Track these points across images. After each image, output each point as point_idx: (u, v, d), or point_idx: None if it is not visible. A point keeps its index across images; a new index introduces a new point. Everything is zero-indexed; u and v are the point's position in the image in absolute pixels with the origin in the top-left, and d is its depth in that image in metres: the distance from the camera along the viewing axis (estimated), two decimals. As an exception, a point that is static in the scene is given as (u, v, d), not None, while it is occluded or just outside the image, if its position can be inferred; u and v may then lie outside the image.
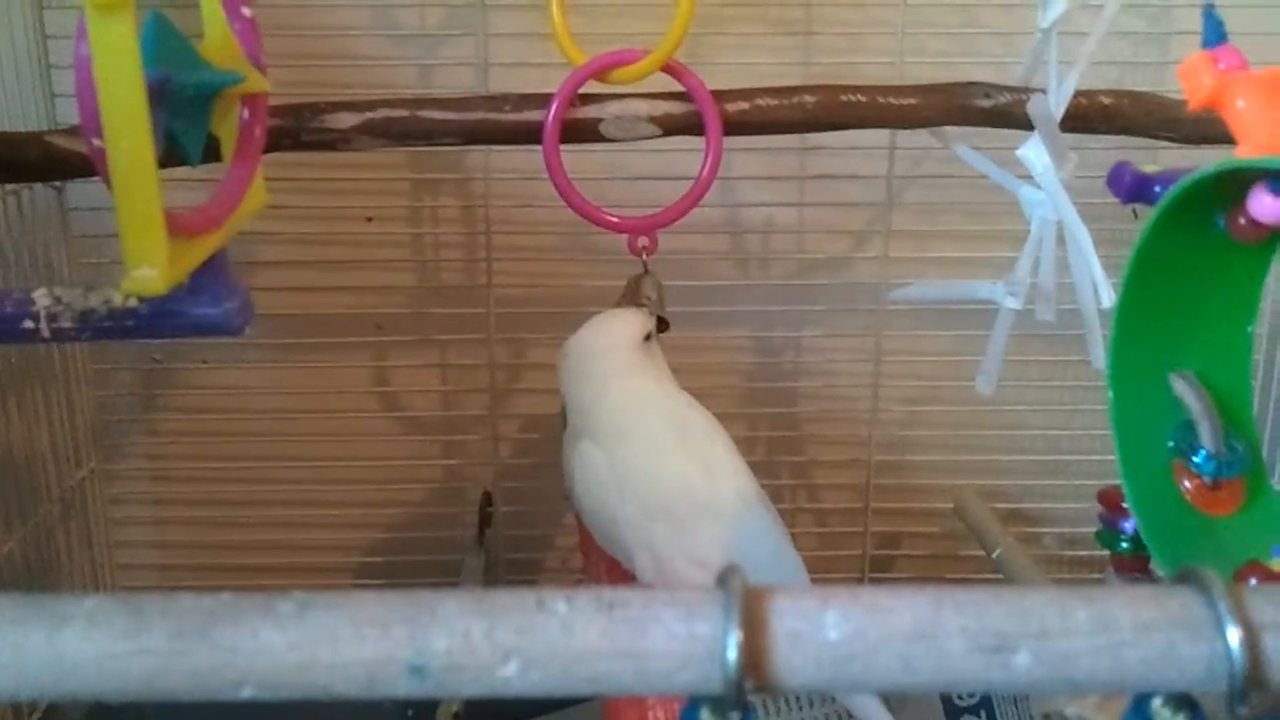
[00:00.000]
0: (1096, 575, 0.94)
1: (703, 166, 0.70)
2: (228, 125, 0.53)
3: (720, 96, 0.70)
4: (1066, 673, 0.27)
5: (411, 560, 0.94)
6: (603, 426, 0.64)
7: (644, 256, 0.72)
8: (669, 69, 0.69)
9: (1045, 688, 0.27)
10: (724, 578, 0.28)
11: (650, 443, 0.63)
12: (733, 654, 0.26)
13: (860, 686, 0.27)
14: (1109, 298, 0.63)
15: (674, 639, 0.27)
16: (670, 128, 0.70)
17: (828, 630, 0.27)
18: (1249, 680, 0.26)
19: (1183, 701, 0.28)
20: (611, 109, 0.69)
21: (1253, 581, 0.47)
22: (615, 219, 0.71)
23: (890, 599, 0.27)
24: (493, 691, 0.27)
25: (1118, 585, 0.60)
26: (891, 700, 0.80)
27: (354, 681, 0.27)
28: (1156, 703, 0.28)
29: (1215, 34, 0.45)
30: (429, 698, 0.28)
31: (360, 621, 0.27)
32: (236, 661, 0.27)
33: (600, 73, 0.69)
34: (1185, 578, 0.28)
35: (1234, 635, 0.26)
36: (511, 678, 0.27)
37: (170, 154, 0.46)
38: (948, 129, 0.73)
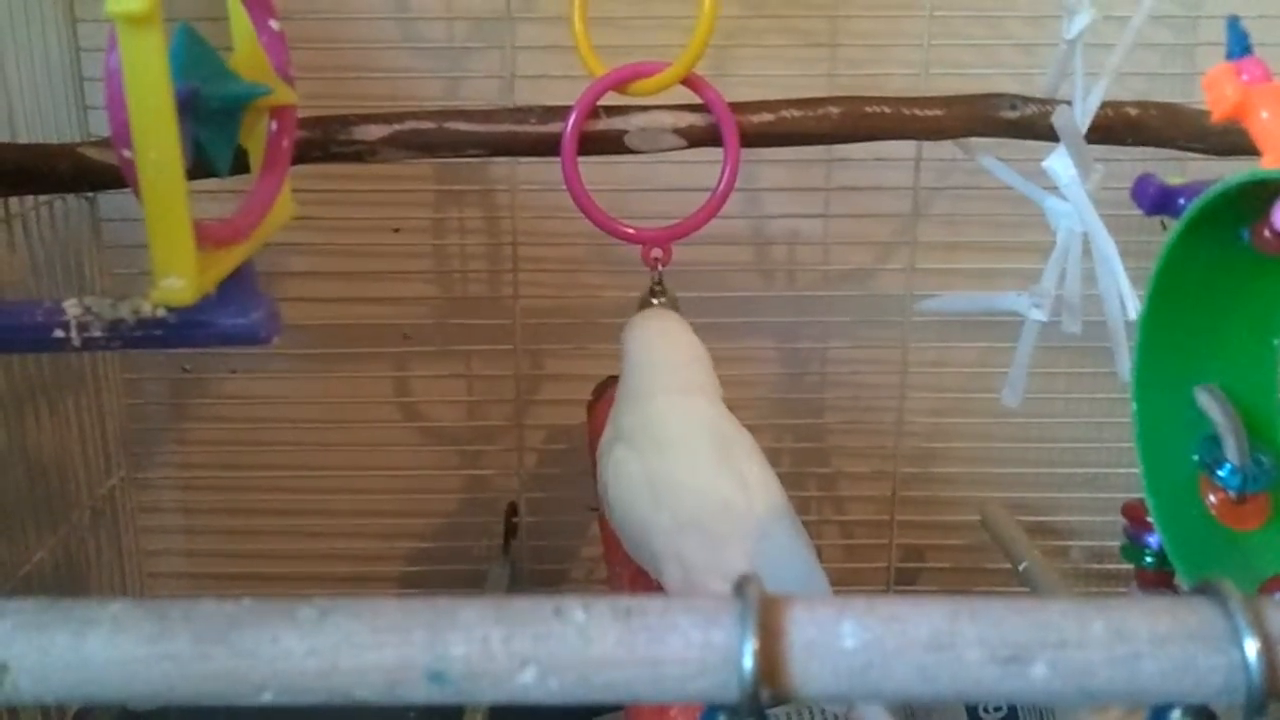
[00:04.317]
0: (1123, 590, 0.93)
1: (720, 179, 0.71)
2: (256, 137, 0.54)
3: (745, 108, 0.70)
4: (1083, 684, 0.27)
5: (436, 570, 0.95)
6: (643, 433, 0.64)
7: (658, 269, 0.72)
8: (689, 83, 0.69)
9: (1062, 698, 0.27)
10: (740, 586, 0.28)
11: (691, 455, 0.62)
12: (748, 662, 0.26)
13: (876, 696, 0.27)
14: (1135, 309, 0.63)
15: (690, 646, 0.27)
16: (695, 139, 0.70)
17: (844, 639, 0.27)
18: (1267, 691, 0.26)
19: (1201, 713, 0.28)
20: (636, 121, 0.70)
21: (1278, 596, 0.46)
22: (630, 230, 0.71)
23: (907, 609, 0.27)
24: (511, 698, 0.27)
25: (1136, 597, 0.59)
26: (916, 712, 0.80)
27: (373, 687, 0.27)
28: (1175, 715, 0.28)
29: (1239, 45, 0.45)
30: (451, 704, 0.28)
31: (379, 628, 0.27)
32: (257, 666, 0.27)
33: (619, 85, 0.69)
34: (1203, 589, 0.27)
35: (1251, 647, 0.26)
36: (529, 685, 0.27)
37: (199, 165, 0.47)
38: (973, 140, 0.73)
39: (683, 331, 0.67)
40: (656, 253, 0.72)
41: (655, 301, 0.72)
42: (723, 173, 0.71)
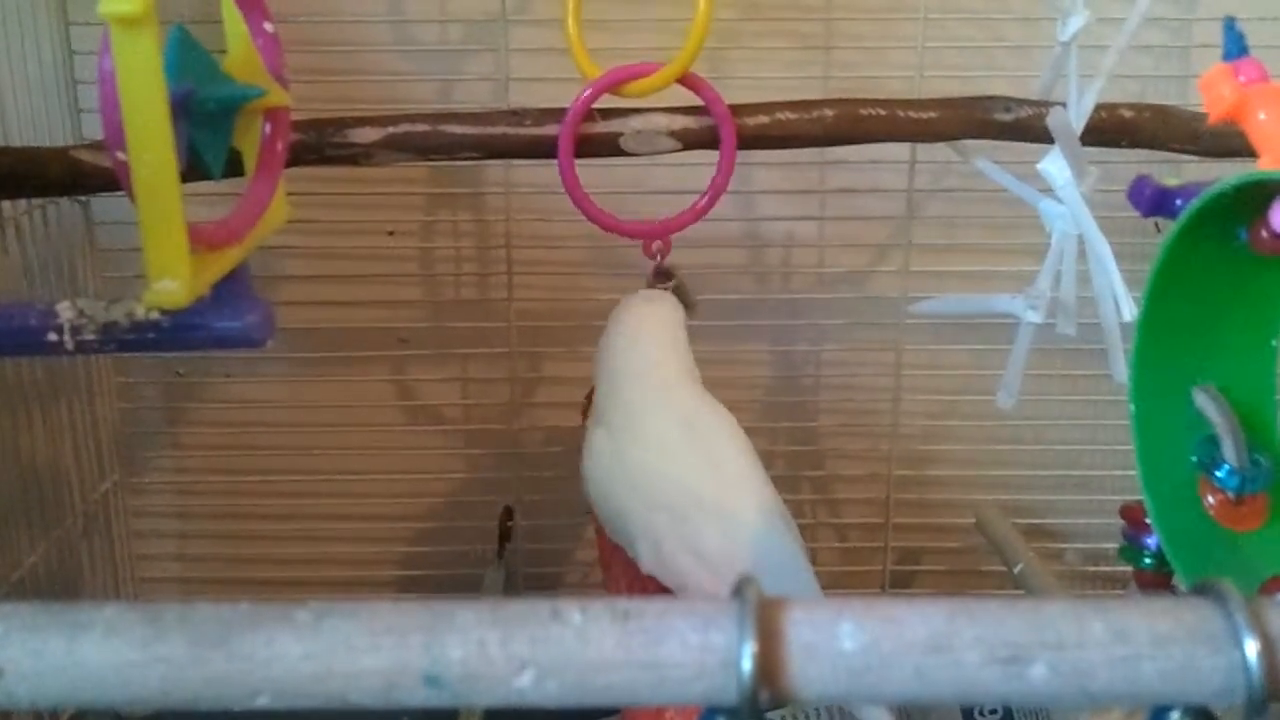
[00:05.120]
0: (1119, 592, 0.93)
1: (717, 172, 0.71)
2: (250, 139, 0.54)
3: (740, 110, 0.70)
4: (1083, 685, 0.27)
5: (432, 574, 0.95)
6: (616, 415, 0.65)
7: (660, 259, 0.72)
8: (686, 82, 0.69)
9: (1062, 700, 0.27)
10: (739, 588, 0.28)
11: (657, 435, 0.64)
12: (747, 664, 0.26)
13: (875, 698, 0.27)
14: (1130, 311, 0.63)
15: (689, 649, 0.27)
16: (690, 141, 0.70)
17: (843, 641, 0.27)
18: (1267, 692, 0.26)
19: (1200, 714, 0.28)
20: (632, 123, 0.70)
21: (1278, 597, 0.46)
22: (630, 224, 0.72)
23: (905, 610, 0.27)
24: (508, 702, 0.27)
25: (1135, 598, 0.60)
26: (912, 713, 0.80)
27: (369, 691, 0.27)
28: (1174, 716, 0.28)
29: (1236, 46, 0.45)
30: (447, 708, 0.28)
31: (376, 631, 0.27)
32: (253, 670, 0.27)
33: (615, 86, 0.69)
34: (1203, 590, 0.27)
35: (1252, 647, 0.26)
36: (526, 688, 0.27)
37: (193, 168, 0.47)
38: (968, 143, 0.73)
39: (666, 315, 0.68)
40: (658, 245, 0.72)
41: (661, 289, 0.72)
42: (719, 165, 0.71)
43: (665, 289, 0.71)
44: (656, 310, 0.68)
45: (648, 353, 0.66)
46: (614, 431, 0.65)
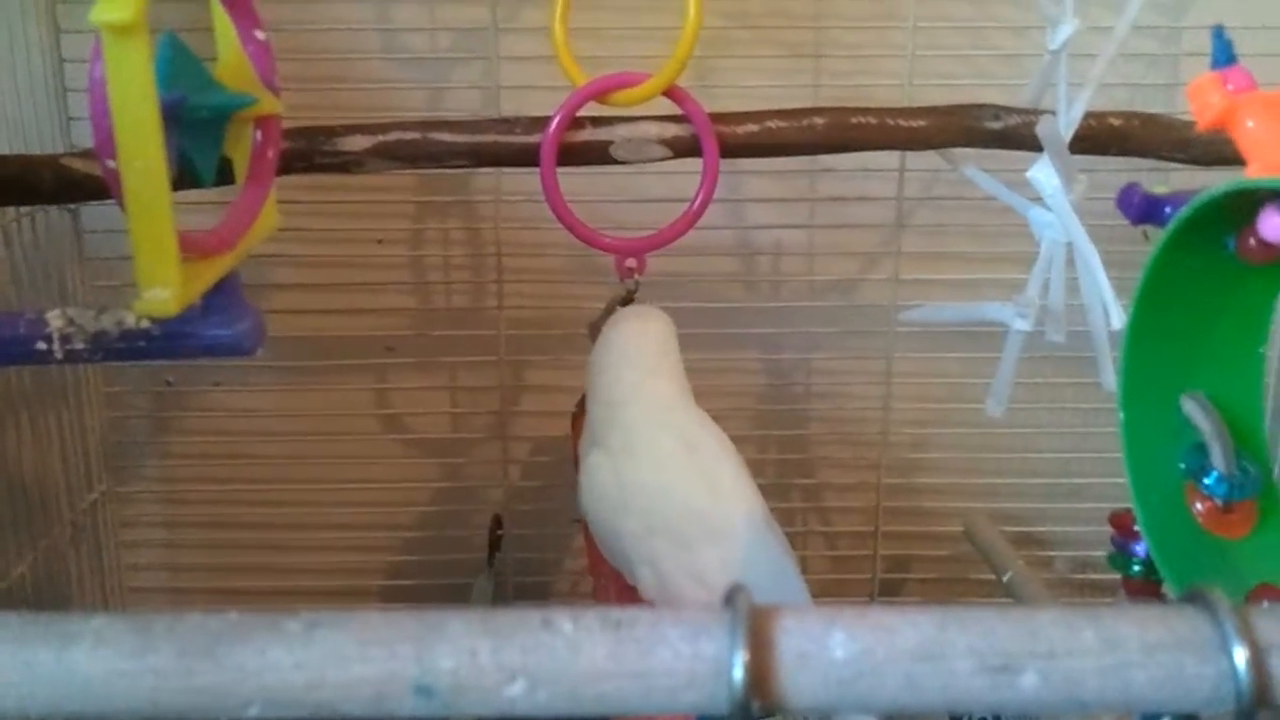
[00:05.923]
0: (1108, 599, 0.93)
1: (698, 191, 0.71)
2: (241, 147, 0.54)
3: (730, 119, 0.70)
4: (1073, 693, 0.27)
5: (421, 584, 0.94)
6: (614, 437, 0.64)
7: (634, 278, 0.72)
8: (670, 93, 0.69)
9: (1052, 708, 0.27)
10: (730, 597, 0.28)
11: (657, 459, 0.63)
12: (739, 673, 0.26)
13: (866, 707, 0.27)
14: (1119, 319, 0.63)
15: (680, 658, 0.27)
16: (680, 150, 0.70)
17: (834, 650, 0.27)
18: (1256, 700, 0.26)
19: (1191, 722, 0.28)
20: (621, 131, 0.70)
21: (1266, 604, 0.46)
22: (607, 240, 0.72)
23: (896, 619, 0.27)
24: (499, 711, 0.27)
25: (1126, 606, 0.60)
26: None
27: (360, 701, 0.27)
28: (1164, 723, 0.28)
29: (1224, 55, 0.45)
30: (438, 718, 0.28)
31: (367, 641, 0.27)
32: (243, 681, 0.27)
33: (601, 94, 0.69)
34: (1192, 598, 0.27)
35: (1240, 655, 0.26)
36: (518, 697, 0.27)
37: (183, 176, 0.47)
38: (957, 151, 0.73)
39: (659, 331, 0.67)
40: (631, 262, 0.72)
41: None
42: (701, 184, 0.71)
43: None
44: (649, 327, 0.67)
45: (644, 372, 0.65)
46: (613, 454, 0.64)
